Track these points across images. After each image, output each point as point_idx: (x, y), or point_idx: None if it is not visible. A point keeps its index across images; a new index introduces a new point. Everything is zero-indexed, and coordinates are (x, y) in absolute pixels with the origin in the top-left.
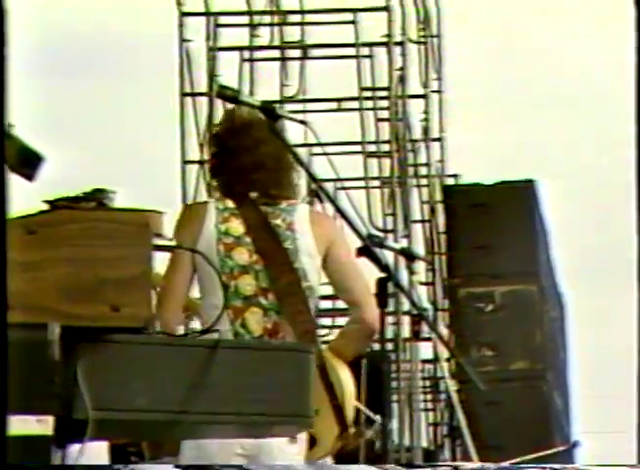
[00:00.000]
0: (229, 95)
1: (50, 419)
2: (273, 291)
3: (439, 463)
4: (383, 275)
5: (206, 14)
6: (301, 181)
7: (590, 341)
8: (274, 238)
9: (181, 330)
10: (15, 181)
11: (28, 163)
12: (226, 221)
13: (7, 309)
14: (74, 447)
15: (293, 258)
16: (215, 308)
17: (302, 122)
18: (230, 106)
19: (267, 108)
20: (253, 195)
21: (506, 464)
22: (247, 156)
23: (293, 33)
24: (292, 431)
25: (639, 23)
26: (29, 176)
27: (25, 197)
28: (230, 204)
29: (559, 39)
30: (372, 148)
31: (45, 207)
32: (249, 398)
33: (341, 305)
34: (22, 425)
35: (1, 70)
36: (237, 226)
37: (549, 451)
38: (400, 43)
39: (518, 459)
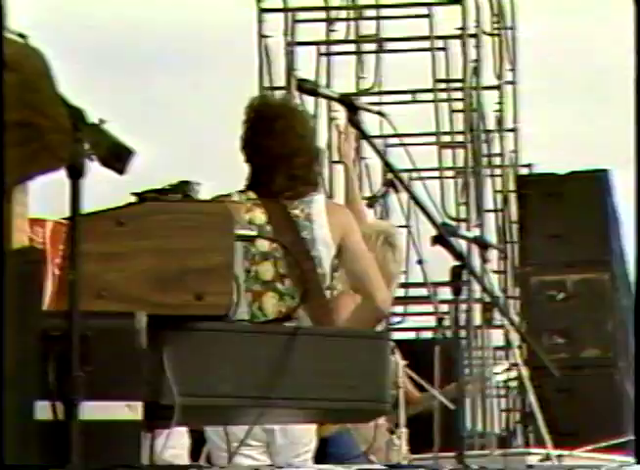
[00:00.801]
0: (308, 88)
1: (139, 405)
2: (290, 277)
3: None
4: (457, 263)
5: (284, 10)
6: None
7: None
8: (293, 228)
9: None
10: (105, 174)
11: (119, 156)
12: (250, 211)
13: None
14: (162, 432)
15: (310, 247)
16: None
17: (380, 114)
18: (260, 94)
19: (346, 100)
20: (278, 189)
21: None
22: (276, 147)
23: (368, 27)
24: (368, 416)
25: (639, 22)
26: (120, 170)
27: (115, 190)
28: (252, 195)
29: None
30: (446, 139)
31: (133, 199)
32: (328, 383)
33: (412, 292)
34: (112, 411)
35: (0, 70)
36: (260, 215)
37: (621, 440)
38: (474, 35)
39: (590, 446)
